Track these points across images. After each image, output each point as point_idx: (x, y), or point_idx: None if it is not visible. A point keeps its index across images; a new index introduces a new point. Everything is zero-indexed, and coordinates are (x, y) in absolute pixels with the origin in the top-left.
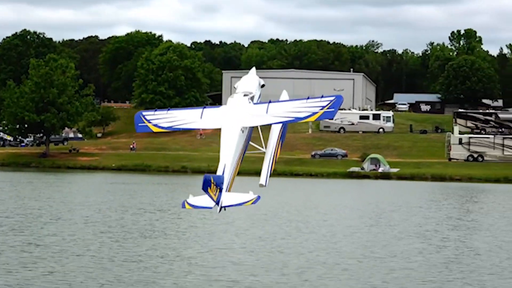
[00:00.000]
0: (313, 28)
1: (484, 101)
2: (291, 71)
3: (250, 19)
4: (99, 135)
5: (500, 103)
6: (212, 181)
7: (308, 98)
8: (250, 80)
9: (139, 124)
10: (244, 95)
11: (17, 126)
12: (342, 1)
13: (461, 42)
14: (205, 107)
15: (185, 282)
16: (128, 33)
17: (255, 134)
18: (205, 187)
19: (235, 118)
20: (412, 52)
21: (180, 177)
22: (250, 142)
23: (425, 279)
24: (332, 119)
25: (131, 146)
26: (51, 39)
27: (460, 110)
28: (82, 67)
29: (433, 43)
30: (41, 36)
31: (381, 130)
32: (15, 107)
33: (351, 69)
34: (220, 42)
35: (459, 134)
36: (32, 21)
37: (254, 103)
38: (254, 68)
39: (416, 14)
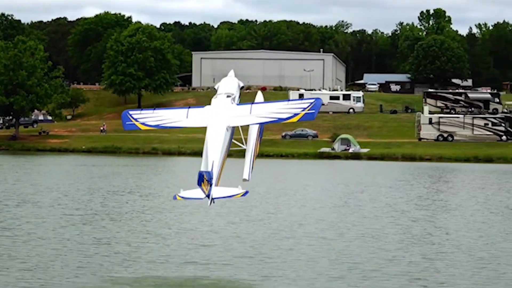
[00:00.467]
0: (283, 9)
1: (454, 80)
2: (261, 52)
3: (220, 0)
4: (69, 117)
5: (469, 82)
6: (205, 176)
7: (289, 100)
8: (230, 82)
9: (127, 123)
10: (227, 96)
11: None
12: None
13: (431, 22)
14: (190, 107)
15: (155, 264)
16: (97, 15)
17: (236, 132)
18: (199, 182)
19: (220, 118)
20: (382, 32)
21: (151, 159)
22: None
23: (393, 259)
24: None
25: (101, 128)
26: (19, 21)
27: (429, 90)
28: (51, 49)
29: (402, 23)
30: (9, 18)
31: (351, 110)
32: None
33: (321, 50)
34: (190, 23)
35: (429, 114)
36: (0, 3)
37: (237, 104)
38: (232, 71)
39: None
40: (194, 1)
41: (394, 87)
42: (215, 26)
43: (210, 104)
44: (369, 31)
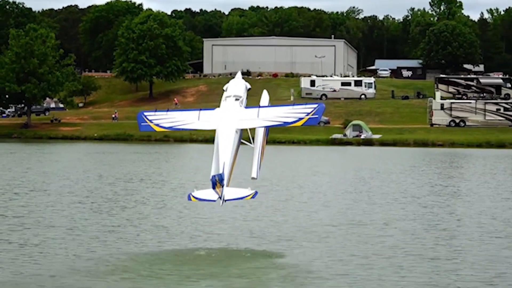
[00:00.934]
0: None
1: (466, 66)
2: (272, 39)
3: None
4: (80, 105)
5: (481, 68)
6: (217, 179)
7: (294, 104)
8: (238, 84)
9: (142, 124)
10: (236, 99)
11: None
12: None
13: (442, 7)
14: (201, 110)
15: (161, 251)
16: (108, 2)
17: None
18: (213, 186)
19: (230, 121)
20: (393, 18)
21: (163, 146)
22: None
23: (404, 246)
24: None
25: (113, 116)
26: (30, 8)
27: (441, 75)
28: (62, 37)
29: (413, 8)
30: (20, 6)
31: (363, 96)
32: None
33: (332, 36)
34: (201, 10)
35: (441, 99)
36: None
37: (245, 107)
38: (239, 72)
39: None
40: None
41: (405, 73)
42: (226, 12)
43: (222, 91)
44: (381, 17)
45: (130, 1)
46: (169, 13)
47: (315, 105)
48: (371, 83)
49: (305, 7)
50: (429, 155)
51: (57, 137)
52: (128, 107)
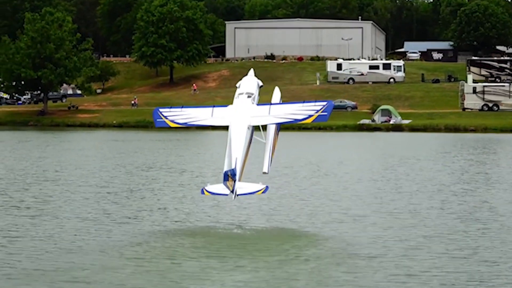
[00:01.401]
0: None
1: (499, 47)
2: (297, 21)
3: None
4: (98, 91)
5: None
6: (229, 174)
7: (303, 102)
8: (250, 82)
9: (157, 120)
10: (248, 97)
11: (13, 83)
12: None
13: None
14: (214, 106)
15: (177, 244)
16: None
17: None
18: (225, 180)
19: (242, 118)
20: None
21: (183, 133)
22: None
23: (436, 235)
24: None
25: (133, 102)
26: None
27: (473, 57)
28: (79, 21)
29: None
30: None
31: (391, 80)
32: (11, 63)
33: (360, 17)
34: None
35: (473, 82)
36: None
37: (257, 104)
38: (252, 70)
39: None
40: None
41: (436, 55)
42: None
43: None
44: None
45: None
46: None
47: (325, 103)
48: (400, 66)
49: None
50: (460, 140)
51: (74, 125)
52: (148, 92)
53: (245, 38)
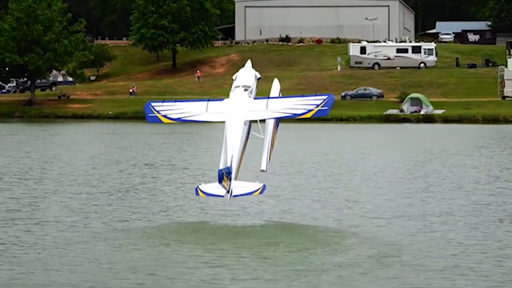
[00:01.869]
0: None
1: None
2: None
3: None
4: (92, 78)
5: None
6: (224, 173)
7: (302, 96)
8: (247, 74)
9: (149, 115)
10: (245, 90)
11: None
12: None
13: None
14: (209, 100)
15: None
16: None
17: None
18: (220, 180)
19: (238, 113)
20: None
21: (186, 126)
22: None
23: (469, 241)
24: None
25: (131, 90)
26: None
27: None
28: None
29: None
30: None
31: (422, 65)
32: None
33: None
34: None
35: None
36: None
37: (254, 98)
38: (249, 61)
39: None
40: None
41: (472, 37)
42: None
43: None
44: None
45: None
46: None
47: (325, 96)
48: (432, 49)
49: None
50: (500, 133)
51: (65, 116)
52: (148, 80)
53: (257, 18)
